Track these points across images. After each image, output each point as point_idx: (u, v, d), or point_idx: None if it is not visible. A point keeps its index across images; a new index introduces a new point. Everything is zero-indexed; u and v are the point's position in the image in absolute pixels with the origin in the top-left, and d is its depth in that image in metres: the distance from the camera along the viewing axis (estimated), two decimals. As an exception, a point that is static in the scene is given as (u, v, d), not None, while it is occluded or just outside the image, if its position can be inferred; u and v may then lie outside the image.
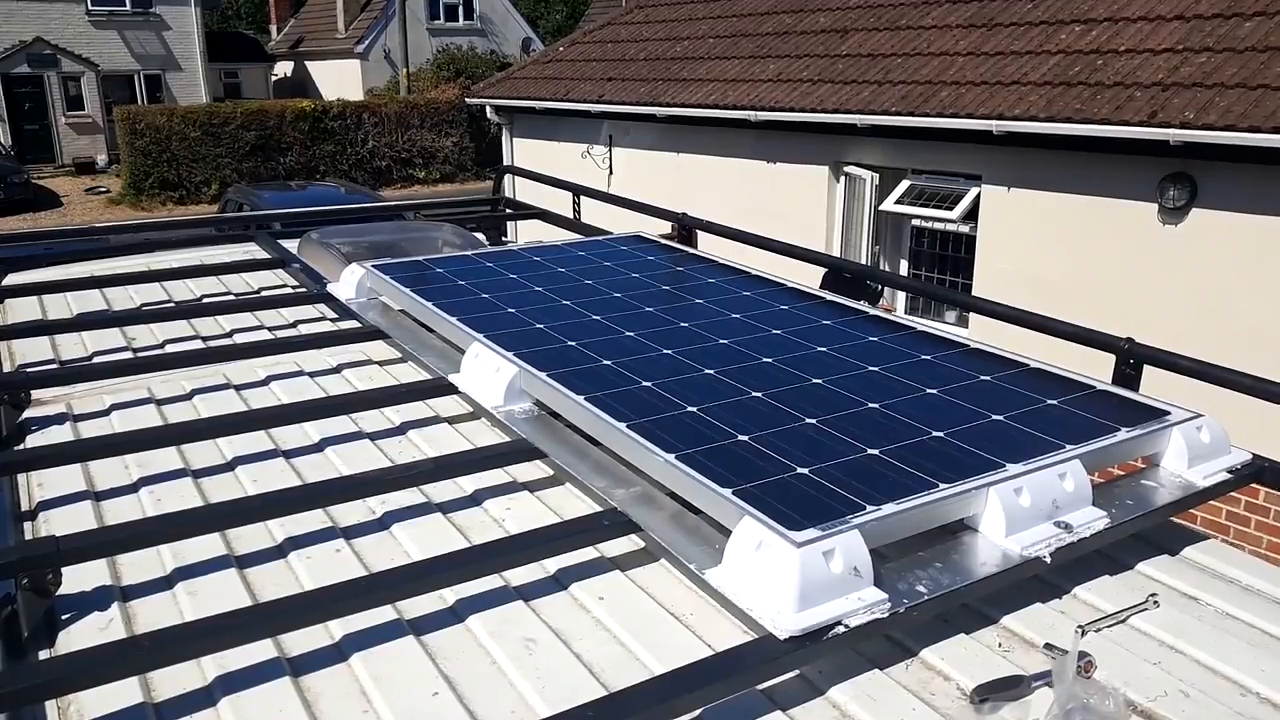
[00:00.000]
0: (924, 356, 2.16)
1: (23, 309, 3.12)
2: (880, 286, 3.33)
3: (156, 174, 22.58)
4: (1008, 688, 1.30)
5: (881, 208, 8.68)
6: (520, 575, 1.57)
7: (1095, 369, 2.10)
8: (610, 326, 2.36)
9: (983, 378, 2.03)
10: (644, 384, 1.99)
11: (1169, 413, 1.86)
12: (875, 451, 1.68)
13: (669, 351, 2.19)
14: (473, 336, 2.26)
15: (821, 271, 3.17)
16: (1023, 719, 1.26)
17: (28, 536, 1.73)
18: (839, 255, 8.69)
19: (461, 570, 1.49)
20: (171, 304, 3.18)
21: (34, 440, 2.11)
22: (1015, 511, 1.55)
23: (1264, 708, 1.31)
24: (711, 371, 2.06)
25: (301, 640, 1.40)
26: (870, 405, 1.88)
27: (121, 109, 23.25)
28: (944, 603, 1.42)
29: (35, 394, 2.29)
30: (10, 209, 21.69)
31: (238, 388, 2.39)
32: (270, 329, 2.88)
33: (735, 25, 10.93)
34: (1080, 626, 1.37)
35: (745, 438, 1.73)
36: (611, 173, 11.18)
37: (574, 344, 2.23)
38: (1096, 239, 7.13)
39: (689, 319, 2.42)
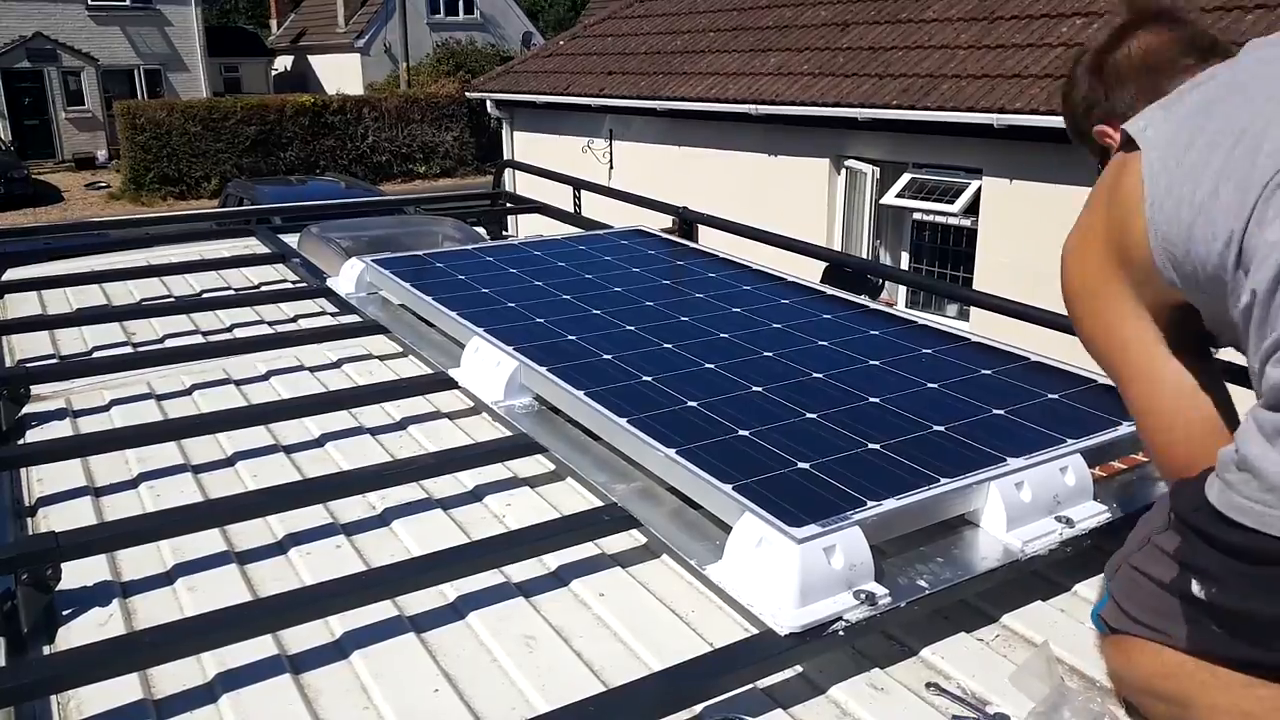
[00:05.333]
0: (925, 350, 2.16)
1: (22, 304, 3.11)
2: (881, 280, 3.32)
3: (156, 169, 22.56)
4: None
5: (882, 201, 8.67)
6: (520, 571, 1.57)
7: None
8: (611, 321, 2.36)
9: (984, 371, 2.03)
10: (644, 379, 1.98)
11: (1171, 407, 1.85)
12: (876, 446, 1.67)
13: (670, 346, 2.18)
14: (473, 331, 2.26)
15: (822, 266, 3.16)
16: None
17: (27, 532, 1.73)
18: (840, 249, 8.69)
19: (462, 566, 1.49)
20: (171, 299, 3.18)
21: (33, 435, 2.11)
22: (1016, 506, 1.54)
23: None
24: (712, 366, 2.06)
25: (302, 636, 1.40)
26: (871, 400, 1.88)
27: (122, 104, 23.22)
28: (945, 597, 1.42)
29: (35, 389, 2.29)
30: (10, 204, 21.69)
31: (238, 383, 2.39)
32: (270, 324, 2.87)
33: (735, 18, 10.91)
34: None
35: (746, 433, 1.73)
36: (612, 167, 11.17)
37: (574, 338, 2.23)
38: (1098, 232, 7.12)
39: (689, 313, 2.42)
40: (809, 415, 1.81)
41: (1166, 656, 1.16)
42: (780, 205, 8.96)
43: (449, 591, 1.51)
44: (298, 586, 1.52)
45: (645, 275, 2.77)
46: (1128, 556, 1.29)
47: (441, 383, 2.23)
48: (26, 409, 2.22)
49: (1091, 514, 1.58)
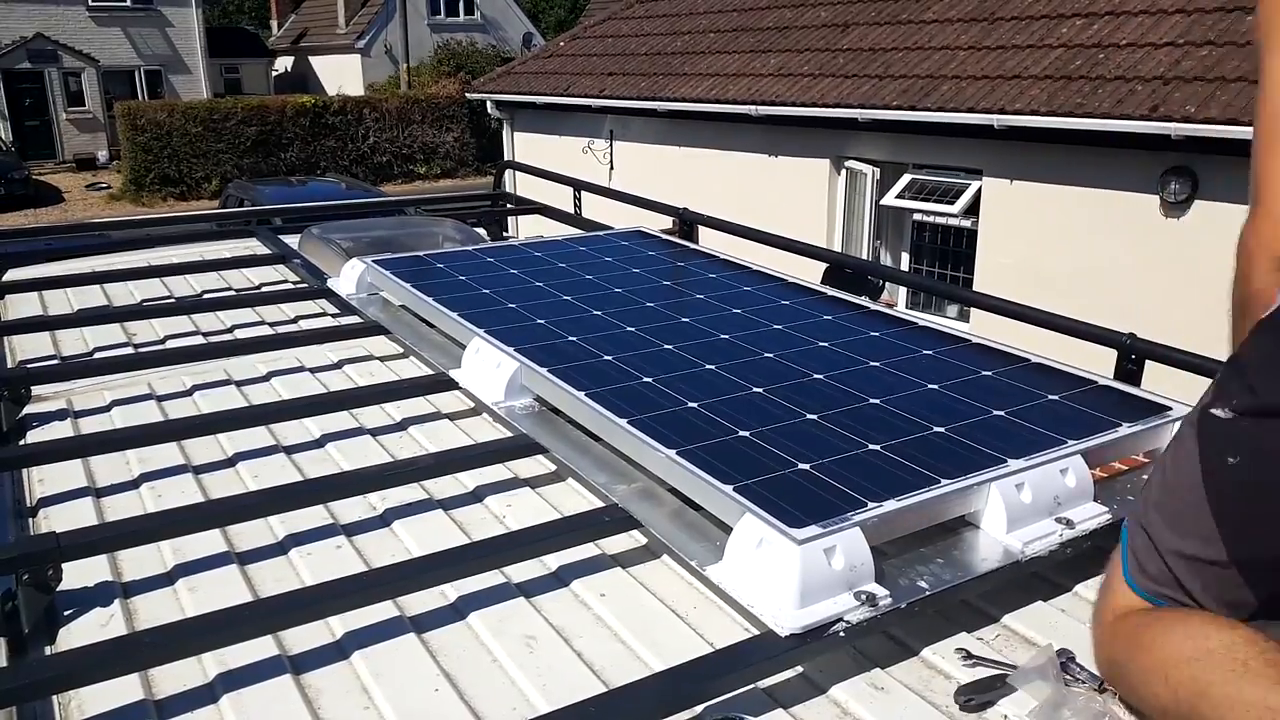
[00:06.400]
0: (925, 351, 2.16)
1: (23, 305, 3.12)
2: (882, 281, 3.32)
3: (157, 170, 22.58)
4: (992, 687, 1.30)
5: (883, 202, 8.67)
6: (521, 572, 1.57)
7: (1097, 364, 2.10)
8: (611, 322, 2.36)
9: (984, 373, 2.03)
10: (645, 379, 1.99)
11: (1170, 408, 1.85)
12: (876, 447, 1.68)
13: (670, 347, 2.18)
14: (473, 332, 2.26)
15: (823, 266, 3.16)
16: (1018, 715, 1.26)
17: (28, 532, 1.73)
18: (840, 250, 8.69)
19: (462, 566, 1.49)
20: (172, 299, 3.18)
21: (34, 436, 2.11)
22: (1017, 507, 1.54)
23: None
24: (713, 367, 2.06)
25: (302, 637, 1.40)
26: (871, 400, 1.88)
27: (122, 105, 23.25)
28: (945, 599, 1.42)
29: (36, 390, 2.29)
30: (11, 205, 21.72)
31: (238, 383, 2.39)
32: (271, 324, 2.87)
33: (735, 19, 10.92)
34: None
35: (746, 433, 1.73)
36: (612, 167, 11.18)
37: (575, 339, 2.23)
38: (1098, 233, 7.12)
39: (690, 314, 2.42)
40: (809, 416, 1.81)
41: (1194, 643, 1.09)
42: (780, 206, 8.97)
43: (450, 592, 1.51)
44: (298, 587, 1.52)
45: (646, 276, 2.77)
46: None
47: (442, 383, 2.23)
48: (27, 409, 2.22)
49: (1092, 515, 1.58)
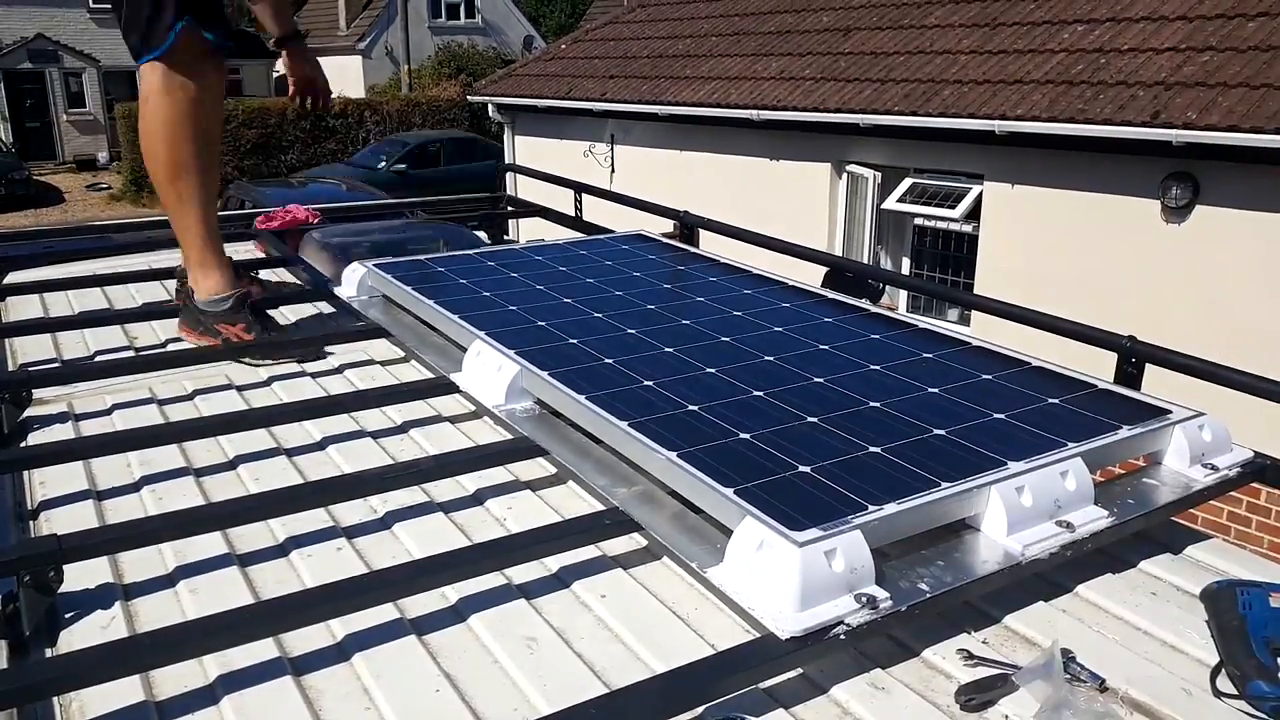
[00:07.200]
0: (926, 354, 2.16)
1: (24, 307, 3.12)
2: (882, 285, 3.33)
3: (158, 172, 22.55)
4: (993, 687, 1.30)
5: (884, 206, 8.68)
6: (521, 574, 1.57)
7: (1097, 367, 2.10)
8: (612, 325, 2.36)
9: (984, 376, 2.03)
10: (646, 382, 1.99)
11: (1170, 411, 1.86)
12: (877, 450, 1.68)
13: (671, 350, 2.19)
14: (474, 335, 2.26)
15: (824, 270, 3.16)
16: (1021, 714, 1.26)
17: (29, 534, 1.73)
18: (841, 254, 8.70)
19: (463, 569, 1.49)
20: (173, 302, 3.18)
21: (35, 438, 2.11)
22: (1017, 510, 1.54)
23: (1266, 707, 1.31)
24: (713, 370, 2.06)
25: (303, 639, 1.40)
26: (872, 403, 1.88)
27: (123, 106, 23.24)
28: (945, 601, 1.42)
29: (37, 393, 2.29)
30: (12, 205, 21.74)
31: (239, 387, 2.39)
32: (272, 327, 2.87)
33: (737, 24, 10.93)
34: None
35: (747, 436, 1.73)
36: (614, 171, 11.18)
37: (576, 342, 2.23)
38: (1099, 238, 7.13)
39: (691, 317, 2.42)
40: (810, 419, 1.81)
41: None
42: (782, 210, 8.97)
43: (450, 593, 1.51)
44: (299, 589, 1.52)
45: (646, 279, 2.78)
46: None
47: (443, 386, 2.23)
48: (28, 412, 2.23)
49: (1092, 518, 1.58)
